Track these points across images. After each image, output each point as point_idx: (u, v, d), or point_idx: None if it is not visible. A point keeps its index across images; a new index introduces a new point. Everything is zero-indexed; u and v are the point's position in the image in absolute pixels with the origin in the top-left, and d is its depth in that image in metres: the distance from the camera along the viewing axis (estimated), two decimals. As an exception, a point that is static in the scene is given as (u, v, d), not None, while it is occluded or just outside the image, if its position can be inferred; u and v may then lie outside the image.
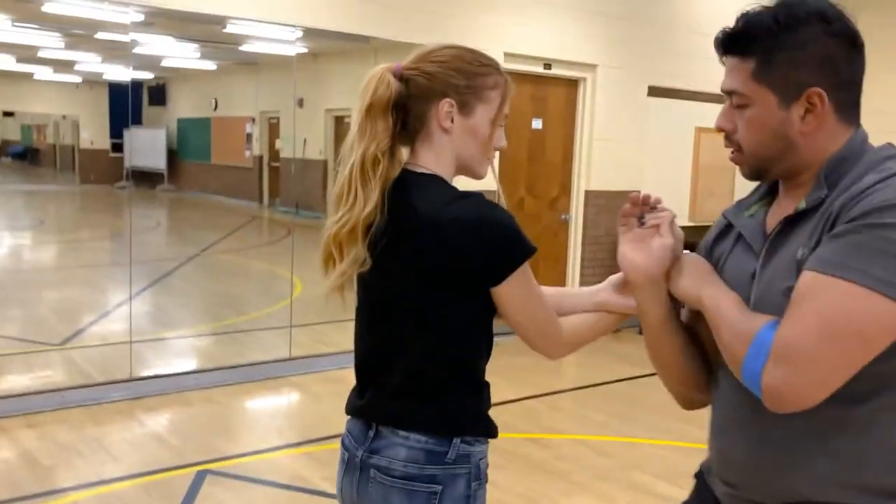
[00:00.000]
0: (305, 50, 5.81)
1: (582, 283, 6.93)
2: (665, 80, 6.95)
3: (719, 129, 1.31)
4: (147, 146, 14.41)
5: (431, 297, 1.47)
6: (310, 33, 5.42)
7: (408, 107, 1.50)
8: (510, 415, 4.69)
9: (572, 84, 6.58)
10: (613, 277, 1.56)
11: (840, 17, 1.22)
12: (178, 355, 5.89)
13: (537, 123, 6.55)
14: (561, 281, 6.98)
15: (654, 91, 6.92)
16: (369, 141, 1.46)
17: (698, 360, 1.42)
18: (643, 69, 6.75)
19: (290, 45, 5.57)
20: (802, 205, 1.23)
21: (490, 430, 1.55)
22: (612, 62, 6.51)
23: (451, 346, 1.50)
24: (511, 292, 1.46)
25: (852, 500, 1.20)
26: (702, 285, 1.32)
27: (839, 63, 1.22)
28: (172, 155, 14.50)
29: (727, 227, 1.40)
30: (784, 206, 1.30)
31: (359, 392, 1.60)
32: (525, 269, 1.46)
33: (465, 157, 1.53)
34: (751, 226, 1.34)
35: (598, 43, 6.47)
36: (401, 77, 1.49)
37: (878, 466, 1.19)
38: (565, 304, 1.58)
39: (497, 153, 1.60)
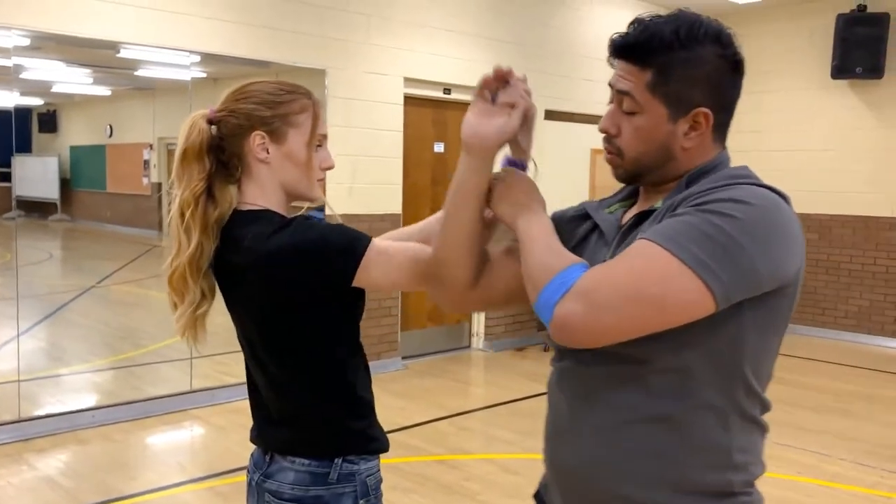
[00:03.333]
0: (204, 75, 5.70)
1: (488, 304, 7.00)
2: (560, 105, 7.15)
3: (603, 131, 1.32)
4: (38, 175, 13.77)
5: (282, 329, 1.50)
6: (207, 58, 5.33)
7: (223, 147, 1.54)
8: (419, 437, 4.68)
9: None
10: None
11: (732, 43, 1.27)
12: (72, 392, 5.62)
13: (439, 147, 6.62)
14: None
15: (550, 115, 7.11)
16: (185, 186, 1.50)
17: (483, 254, 1.41)
18: (539, 93, 6.84)
19: (187, 70, 5.46)
20: (658, 204, 1.29)
21: (374, 447, 1.58)
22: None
23: (317, 372, 1.53)
24: (371, 277, 1.46)
25: (677, 501, 1.24)
26: (520, 213, 1.32)
27: (725, 86, 1.28)
28: (65, 184, 13.91)
29: (584, 217, 1.43)
30: (642, 208, 1.35)
31: (254, 421, 1.66)
32: (369, 254, 1.45)
33: (290, 184, 1.56)
34: (609, 220, 1.38)
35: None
36: (213, 121, 1.54)
37: (697, 465, 1.23)
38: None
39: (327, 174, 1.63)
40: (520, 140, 1.42)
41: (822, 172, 8.02)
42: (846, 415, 5.50)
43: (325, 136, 1.60)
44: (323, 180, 1.62)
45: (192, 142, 1.51)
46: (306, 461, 1.53)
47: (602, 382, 1.28)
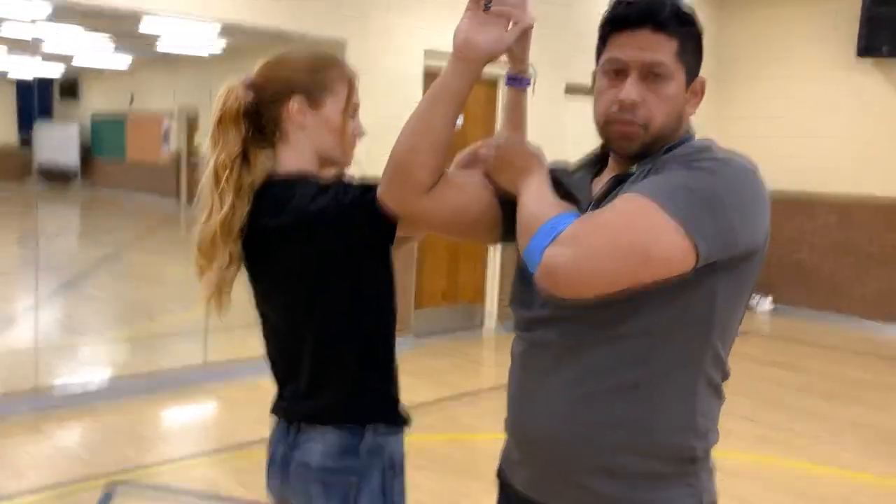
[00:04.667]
0: (224, 45, 5.70)
1: (502, 284, 7.01)
2: (581, 78, 7.08)
3: (630, 102, 1.29)
4: (59, 142, 13.87)
5: (329, 291, 1.51)
6: (228, 29, 5.32)
7: (261, 112, 1.57)
8: (431, 417, 4.72)
9: (491, 83, 6.65)
10: None
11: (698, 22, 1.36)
12: (88, 364, 5.71)
13: (458, 121, 6.58)
14: (481, 282, 7.05)
15: (572, 89, 7.05)
16: (220, 150, 1.53)
17: (444, 163, 1.41)
18: (560, 68, 6.86)
19: (208, 41, 5.46)
20: (633, 168, 1.32)
21: (401, 418, 1.60)
22: (530, 60, 6.62)
23: (359, 337, 1.55)
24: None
25: (644, 466, 1.28)
26: (519, 176, 1.36)
27: (701, 60, 1.37)
28: (86, 152, 14.00)
29: (554, 183, 1.40)
30: (615, 173, 1.37)
31: (278, 392, 1.67)
32: None
33: (324, 150, 1.60)
34: (580, 186, 1.40)
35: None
36: (250, 87, 1.57)
37: (664, 431, 1.27)
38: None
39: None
40: (515, 50, 1.45)
41: (842, 154, 7.87)
42: (858, 402, 5.48)
43: (357, 106, 1.64)
44: (355, 147, 1.66)
45: (230, 107, 1.54)
46: (337, 431, 1.54)
47: (572, 351, 1.30)
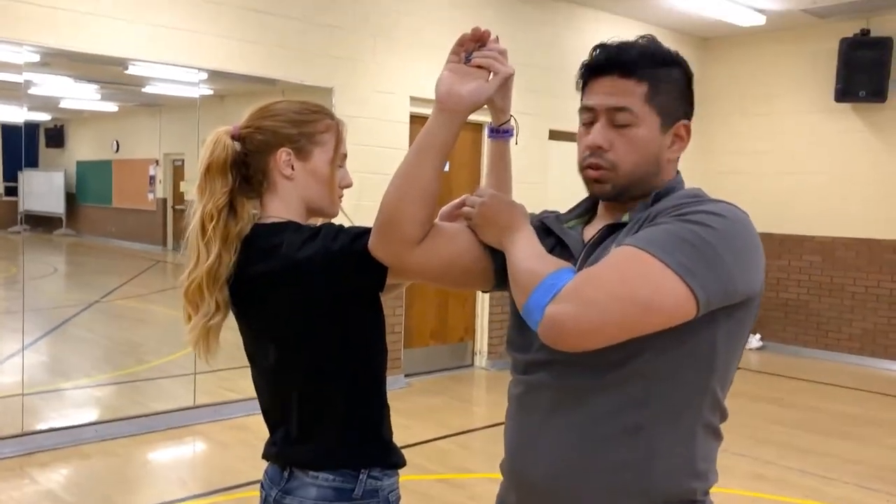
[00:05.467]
0: (211, 92, 5.75)
1: (492, 322, 7.01)
2: (565, 124, 7.19)
3: (595, 147, 1.32)
4: (44, 189, 13.84)
5: (317, 337, 1.51)
6: (214, 75, 5.37)
7: (248, 163, 1.58)
8: (422, 456, 4.67)
9: (476, 128, 6.73)
10: None
11: (686, 63, 1.37)
12: (75, 407, 5.62)
13: (444, 166, 6.64)
14: (471, 320, 7.04)
15: (555, 134, 7.15)
16: (207, 199, 1.53)
17: (433, 214, 1.42)
18: (544, 113, 6.97)
19: (194, 87, 5.50)
20: (625, 218, 1.33)
21: (395, 460, 1.58)
22: (515, 107, 6.70)
23: (350, 381, 1.54)
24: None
25: None
26: (505, 233, 1.36)
27: (690, 104, 1.37)
28: (71, 198, 13.96)
29: (546, 231, 1.43)
30: (602, 223, 1.38)
31: (270, 437, 1.64)
32: None
33: (312, 200, 1.61)
34: (571, 235, 1.41)
35: (502, 88, 6.68)
36: (238, 137, 1.58)
37: (664, 474, 1.27)
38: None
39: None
40: (496, 101, 1.48)
41: (826, 194, 8.03)
42: (850, 438, 5.48)
43: (345, 156, 1.65)
44: (342, 197, 1.67)
45: (217, 156, 1.55)
46: (330, 476, 1.52)
47: (571, 394, 1.30)
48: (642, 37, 1.34)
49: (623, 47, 1.32)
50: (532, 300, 1.21)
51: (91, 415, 5.39)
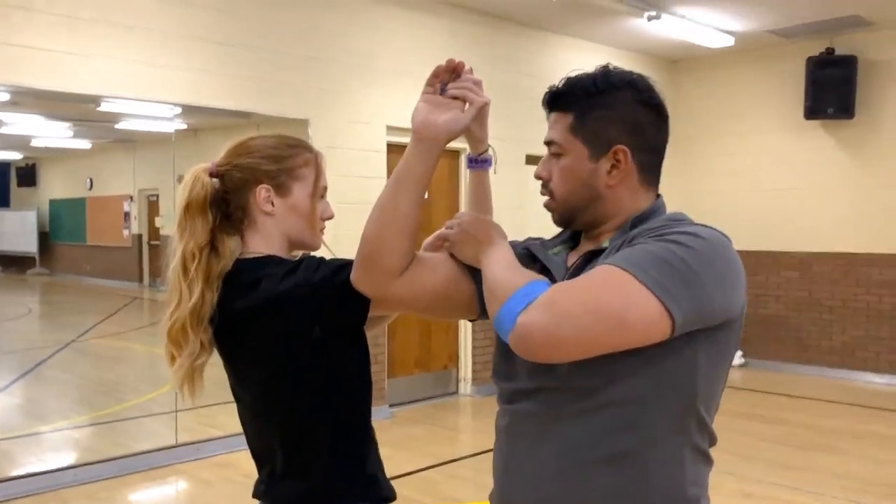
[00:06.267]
0: (185, 126, 5.72)
1: (475, 349, 6.99)
2: (542, 149, 7.23)
3: (537, 177, 1.41)
4: (16, 229, 13.69)
5: (299, 372, 1.49)
6: (188, 110, 5.35)
7: (228, 200, 1.57)
8: (409, 487, 4.61)
9: (454, 155, 6.76)
10: None
11: (650, 89, 1.38)
12: (53, 450, 5.51)
13: (424, 196, 6.65)
14: (455, 348, 7.01)
15: (532, 159, 7.19)
16: (188, 238, 1.52)
17: (414, 245, 1.42)
18: (520, 139, 7.01)
19: (169, 122, 5.48)
20: (605, 244, 1.35)
21: (385, 494, 1.56)
22: (491, 133, 6.74)
23: (335, 416, 1.52)
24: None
25: None
26: (481, 248, 1.37)
27: (645, 128, 1.37)
28: (44, 237, 13.81)
29: (531, 257, 1.45)
30: (585, 250, 1.40)
31: (259, 475, 1.63)
32: None
33: (294, 234, 1.60)
34: (556, 261, 1.42)
35: (477, 114, 6.71)
36: (216, 174, 1.57)
37: (653, 501, 1.26)
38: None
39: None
40: (474, 131, 1.51)
41: (800, 211, 8.12)
42: (835, 452, 5.49)
43: (326, 188, 1.64)
44: (324, 230, 1.66)
45: (196, 195, 1.53)
46: None
47: (557, 421, 1.29)
48: (605, 66, 1.39)
49: (563, 82, 1.38)
50: (505, 308, 1.21)
51: (69, 458, 5.28)
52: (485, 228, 1.41)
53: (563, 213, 1.40)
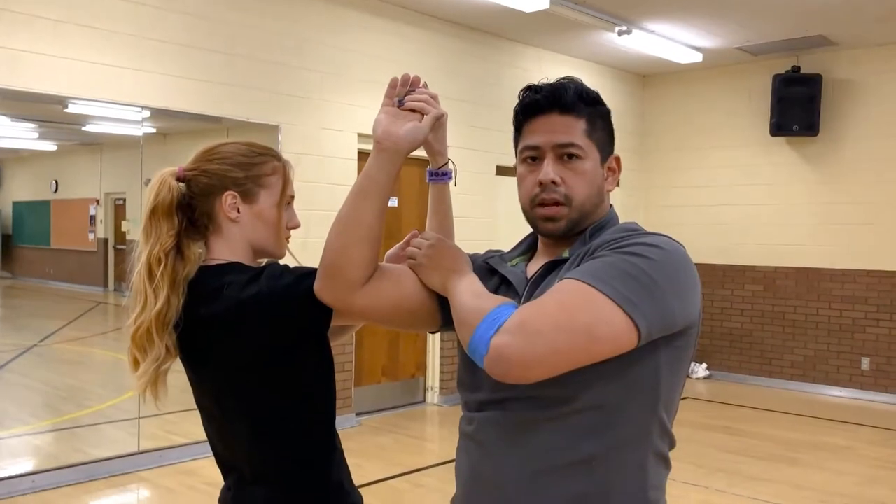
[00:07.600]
0: (153, 130, 5.66)
1: (443, 355, 6.98)
2: (512, 160, 7.27)
3: (549, 181, 1.37)
4: (-23, 231, 13.41)
5: (264, 378, 1.49)
6: (157, 113, 5.30)
7: (194, 205, 1.56)
8: (375, 496, 4.59)
9: (424, 163, 6.75)
10: None
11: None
12: (11, 456, 5.39)
13: (393, 202, 6.66)
14: (422, 357, 7.01)
15: (503, 170, 7.22)
16: (154, 243, 1.51)
17: (376, 257, 1.42)
18: (491, 149, 7.04)
19: (137, 126, 5.42)
20: (566, 254, 1.37)
21: (347, 500, 1.56)
22: (462, 143, 6.73)
23: (300, 423, 1.52)
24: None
25: None
26: (448, 276, 1.38)
27: (614, 139, 1.46)
28: (7, 240, 13.56)
29: (491, 271, 1.48)
30: (544, 260, 1.42)
31: (225, 482, 1.62)
32: None
33: (259, 242, 1.60)
34: (515, 273, 1.44)
35: (450, 124, 6.75)
36: (183, 179, 1.56)
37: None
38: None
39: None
40: (433, 145, 1.55)
41: (765, 226, 8.25)
42: (797, 464, 5.57)
43: (293, 197, 1.64)
44: (289, 238, 1.66)
45: (162, 199, 1.53)
46: None
47: (523, 429, 1.31)
48: (565, 77, 1.41)
49: (560, 87, 1.39)
50: (476, 335, 1.22)
51: (28, 465, 5.17)
52: (451, 257, 1.41)
53: (574, 220, 1.38)
